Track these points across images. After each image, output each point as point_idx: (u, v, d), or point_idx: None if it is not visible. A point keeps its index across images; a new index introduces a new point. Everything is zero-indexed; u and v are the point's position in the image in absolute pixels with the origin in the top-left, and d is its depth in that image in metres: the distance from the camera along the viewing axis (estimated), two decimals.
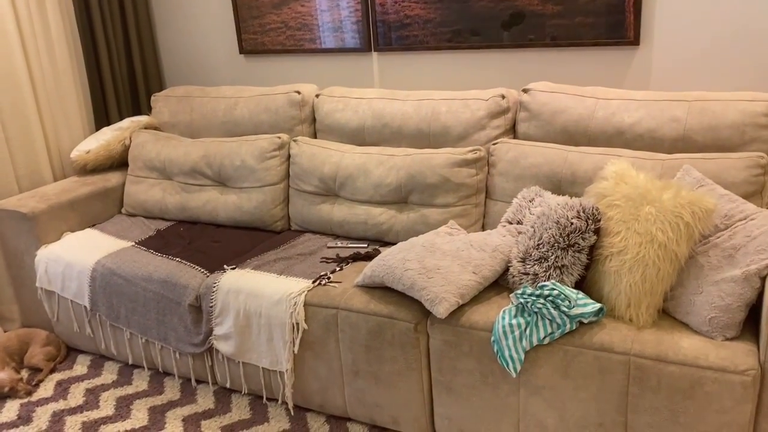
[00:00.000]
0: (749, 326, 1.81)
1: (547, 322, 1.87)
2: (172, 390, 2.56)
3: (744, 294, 1.76)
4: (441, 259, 2.09)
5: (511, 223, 2.28)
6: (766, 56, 2.39)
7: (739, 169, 2.06)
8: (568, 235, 1.96)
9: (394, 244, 2.56)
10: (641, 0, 2.52)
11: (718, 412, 1.70)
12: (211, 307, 2.37)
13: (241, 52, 3.40)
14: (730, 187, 2.05)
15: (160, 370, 2.65)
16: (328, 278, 2.29)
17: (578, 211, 1.97)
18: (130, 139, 3.17)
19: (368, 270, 2.18)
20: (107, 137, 3.15)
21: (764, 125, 2.15)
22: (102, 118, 3.44)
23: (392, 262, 2.12)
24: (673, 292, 1.89)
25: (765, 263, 1.74)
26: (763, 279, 1.76)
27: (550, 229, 2.01)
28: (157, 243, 2.75)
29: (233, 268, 2.42)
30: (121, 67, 3.46)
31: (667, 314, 1.92)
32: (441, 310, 1.95)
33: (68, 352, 2.87)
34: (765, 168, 2.05)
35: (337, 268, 2.37)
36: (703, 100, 2.25)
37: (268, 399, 2.44)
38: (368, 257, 2.46)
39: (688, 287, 1.87)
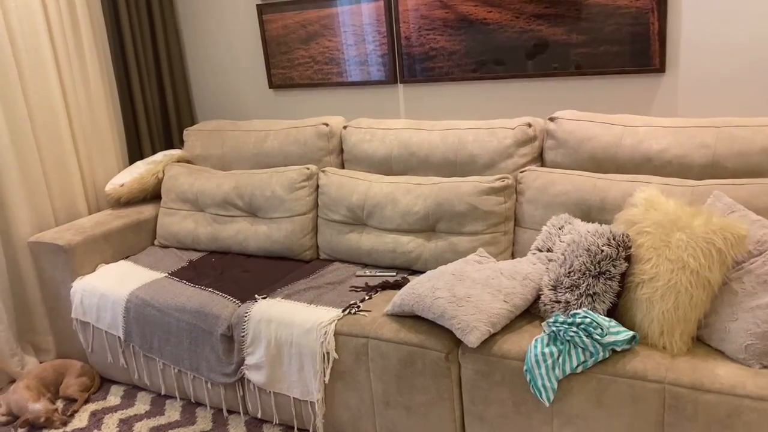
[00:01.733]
0: None
1: (580, 350, 1.86)
2: (204, 420, 2.58)
3: None
4: (471, 288, 2.09)
5: (541, 251, 2.28)
6: None
7: None
8: (599, 263, 1.96)
9: (422, 272, 2.57)
10: (666, 28, 2.54)
11: None
12: (243, 336, 2.39)
13: (270, 87, 3.48)
14: (763, 212, 2.03)
15: (192, 400, 2.67)
16: (358, 307, 2.30)
17: (608, 239, 1.97)
18: (164, 172, 3.25)
19: (398, 299, 2.20)
20: (141, 171, 3.23)
21: None
22: (135, 152, 3.54)
23: (422, 291, 2.13)
24: (707, 320, 1.87)
25: None
26: None
27: (580, 256, 2.01)
28: (189, 273, 2.79)
29: (264, 298, 2.45)
30: (154, 103, 3.56)
31: (702, 342, 1.90)
32: (472, 339, 1.95)
33: (102, 383, 2.91)
34: None
35: (367, 297, 2.38)
36: (731, 126, 2.24)
37: (299, 429, 2.45)
38: (397, 286, 2.47)
39: (722, 314, 1.85)
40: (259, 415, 2.49)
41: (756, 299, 1.80)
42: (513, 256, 2.51)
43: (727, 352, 1.81)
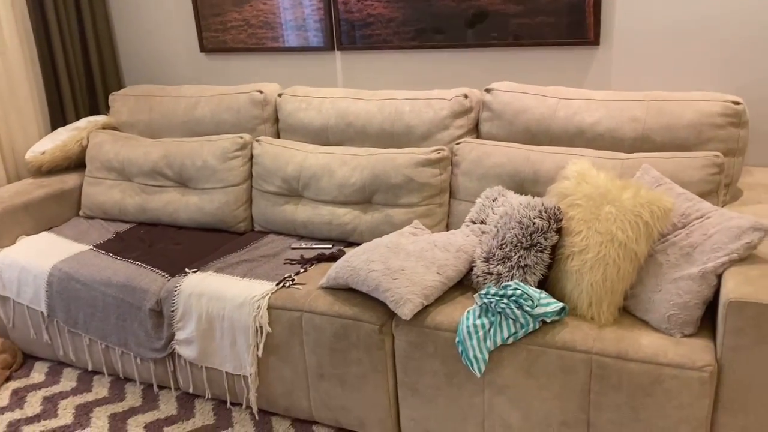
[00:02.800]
0: (706, 323, 1.85)
1: (511, 321, 1.88)
2: (133, 396, 2.51)
3: (701, 291, 1.79)
4: (405, 260, 2.08)
5: (474, 223, 2.29)
6: (723, 56, 2.45)
7: (695, 168, 2.10)
8: (530, 235, 1.98)
9: (358, 244, 2.55)
10: (601, 0, 2.54)
11: (676, 407, 1.73)
12: (173, 311, 2.32)
13: (202, 51, 3.35)
14: (688, 185, 2.09)
15: (121, 376, 2.59)
16: (292, 280, 2.26)
17: (540, 211, 1.98)
18: (88, 139, 3.10)
19: (332, 271, 2.17)
20: (63, 138, 3.07)
21: (720, 125, 2.19)
22: (58, 118, 3.35)
23: (356, 264, 2.11)
24: (633, 291, 1.92)
25: (720, 261, 1.78)
26: (719, 276, 1.79)
27: (512, 228, 2.02)
28: (116, 246, 2.69)
29: (195, 271, 2.38)
30: (78, 66, 3.37)
31: (628, 312, 1.95)
32: (406, 312, 1.95)
33: (25, 360, 2.79)
34: (720, 167, 2.09)
35: (301, 270, 2.35)
36: (661, 100, 2.28)
37: (232, 404, 2.41)
38: (333, 258, 2.44)
39: (647, 285, 1.90)
40: (190, 390, 2.44)
41: (679, 270, 1.85)
42: (448, 228, 2.51)
43: (651, 322, 1.87)
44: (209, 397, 2.42)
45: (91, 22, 3.38)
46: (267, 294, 2.20)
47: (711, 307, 1.86)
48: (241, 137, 2.78)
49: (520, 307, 1.87)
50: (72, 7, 3.30)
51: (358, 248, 2.22)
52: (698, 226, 1.89)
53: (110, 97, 3.23)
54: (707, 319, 1.86)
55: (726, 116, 2.19)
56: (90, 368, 2.63)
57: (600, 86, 2.66)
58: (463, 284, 2.17)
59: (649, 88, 2.59)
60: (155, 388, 2.53)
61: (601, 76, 2.65)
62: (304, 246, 2.57)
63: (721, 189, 2.12)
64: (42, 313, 2.61)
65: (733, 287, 1.68)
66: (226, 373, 2.33)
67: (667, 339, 1.79)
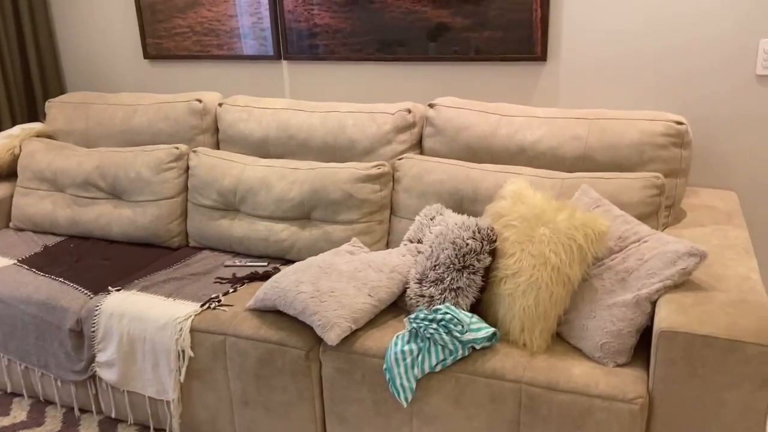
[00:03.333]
0: (641, 351, 1.78)
1: (440, 348, 1.80)
2: (53, 420, 2.38)
3: (635, 319, 1.73)
4: (336, 281, 1.99)
5: (412, 242, 2.21)
6: (669, 75, 2.40)
7: (635, 190, 2.04)
8: (463, 256, 1.90)
9: (296, 261, 2.44)
10: (548, 15, 2.49)
11: None
12: (93, 332, 2.20)
13: (145, 57, 3.23)
14: (627, 207, 2.03)
15: (41, 398, 2.45)
16: (219, 301, 2.16)
17: (474, 232, 1.91)
18: (20, 147, 2.95)
19: (260, 293, 2.07)
20: None
21: (662, 145, 2.14)
22: None
23: (285, 285, 2.01)
24: (567, 316, 1.85)
25: (655, 288, 1.71)
26: (653, 303, 1.73)
27: (446, 249, 1.94)
28: (41, 261, 2.55)
29: (118, 290, 2.26)
30: (15, 71, 3.23)
31: (562, 338, 1.87)
32: (332, 337, 1.85)
33: None
34: (661, 188, 2.03)
35: (231, 290, 2.24)
36: (604, 119, 2.23)
37: (155, 429, 2.28)
38: (266, 277, 2.34)
39: (581, 311, 1.82)
40: (113, 415, 2.31)
41: (613, 296, 1.78)
42: (388, 246, 2.42)
43: (585, 350, 1.79)
44: (132, 422, 2.29)
45: (31, 26, 3.24)
46: (190, 316, 2.09)
47: (647, 334, 1.79)
48: (177, 148, 2.67)
49: (449, 332, 1.78)
50: (9, 9, 3.16)
51: (289, 268, 2.12)
52: (635, 250, 1.83)
53: (46, 104, 3.10)
54: (642, 348, 1.79)
55: (668, 136, 2.14)
56: (9, 390, 2.49)
57: (548, 102, 2.61)
58: (398, 306, 2.08)
59: (596, 105, 2.54)
60: (77, 412, 2.39)
61: (548, 92, 2.60)
62: (238, 263, 2.46)
63: (661, 211, 2.06)
64: None
65: (665, 316, 1.61)
66: (149, 397, 2.20)
67: (600, 368, 1.72)
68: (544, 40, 2.53)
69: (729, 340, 1.52)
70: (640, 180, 2.05)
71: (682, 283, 1.73)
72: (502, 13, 2.55)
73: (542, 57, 2.55)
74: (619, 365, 1.73)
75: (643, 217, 2.03)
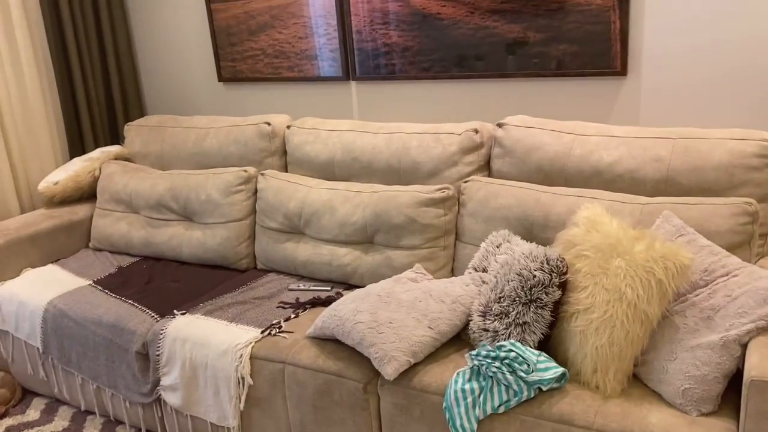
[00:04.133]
0: (730, 399, 1.60)
1: (503, 388, 1.68)
2: None
3: (722, 363, 1.55)
4: (395, 311, 1.91)
5: (477, 270, 2.10)
6: (762, 91, 2.19)
7: (724, 217, 1.86)
8: (530, 289, 1.78)
9: (359, 286, 2.39)
10: (628, 27, 2.33)
11: None
12: (158, 355, 2.22)
13: (220, 80, 3.29)
14: (714, 236, 1.84)
15: (112, 418, 2.50)
16: (280, 327, 2.12)
17: (542, 263, 1.78)
18: (100, 170, 3.06)
19: (319, 321, 2.02)
20: (76, 168, 3.05)
21: (755, 167, 1.94)
22: (77, 148, 3.35)
23: (343, 314, 1.95)
24: (645, 357, 1.69)
25: (745, 329, 1.54)
26: (743, 346, 1.55)
27: (512, 281, 1.82)
28: (114, 282, 2.62)
29: (183, 313, 2.28)
30: (98, 95, 3.37)
31: (639, 380, 1.71)
32: (389, 371, 1.78)
33: (24, 395, 2.74)
34: (754, 215, 1.84)
35: (293, 315, 2.21)
36: (688, 138, 2.05)
37: None
38: (328, 302, 2.29)
39: (661, 352, 1.66)
40: None
41: (697, 337, 1.61)
42: (453, 273, 2.32)
43: (665, 395, 1.63)
44: None
45: (114, 53, 3.37)
46: (251, 342, 2.07)
47: (737, 380, 1.61)
48: (245, 170, 2.68)
49: (513, 371, 1.67)
50: (93, 36, 3.30)
51: (348, 295, 2.06)
52: (722, 286, 1.65)
53: (125, 128, 3.21)
54: (731, 395, 1.61)
55: (762, 157, 1.94)
56: (83, 408, 2.56)
57: (627, 120, 2.44)
58: (461, 339, 1.98)
59: (680, 123, 2.35)
60: None
61: (628, 109, 2.43)
62: (302, 287, 2.43)
63: (754, 240, 1.86)
64: (38, 348, 2.56)
65: (757, 362, 1.44)
66: (211, 423, 2.20)
67: (681, 417, 1.56)
68: (624, 53, 2.37)
69: None
70: (729, 206, 1.86)
71: None
72: (578, 26, 2.41)
73: (622, 71, 2.39)
74: (703, 414, 1.56)
75: (732, 248, 1.84)
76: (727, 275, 1.67)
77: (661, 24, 2.28)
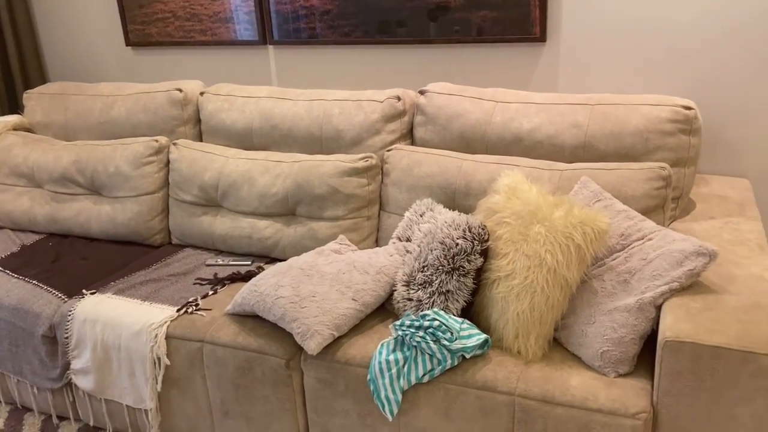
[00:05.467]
0: (644, 360, 1.65)
1: (428, 357, 1.67)
2: (31, 428, 2.28)
3: (638, 325, 1.59)
4: (318, 284, 1.86)
5: (401, 240, 2.07)
6: (677, 56, 2.24)
7: (639, 182, 1.89)
8: (453, 257, 1.76)
9: (281, 260, 2.32)
10: None
11: None
12: (67, 338, 2.09)
13: (127, 44, 3.09)
14: (631, 200, 1.88)
15: (19, 405, 2.35)
16: (197, 305, 2.04)
17: (464, 231, 1.77)
18: None
19: (239, 297, 1.94)
20: None
21: (669, 132, 1.98)
22: None
23: (264, 289, 1.89)
24: (564, 321, 1.71)
25: (660, 291, 1.57)
26: (658, 308, 1.59)
27: (435, 249, 1.80)
28: (17, 261, 2.44)
29: (93, 293, 2.15)
30: None
31: (560, 344, 1.74)
32: (312, 346, 1.73)
33: None
34: (667, 180, 1.88)
35: (211, 292, 2.12)
36: (606, 104, 2.07)
37: None
38: (248, 277, 2.21)
39: (580, 316, 1.69)
40: (91, 423, 2.21)
41: (615, 300, 1.65)
42: (377, 243, 2.29)
43: (584, 358, 1.66)
44: (111, 430, 2.19)
45: (8, 13, 3.10)
46: (166, 321, 1.97)
47: (652, 341, 1.65)
48: (156, 140, 2.54)
49: (437, 340, 1.65)
50: None
51: (269, 269, 1.99)
52: (638, 249, 1.69)
53: (24, 96, 2.97)
54: (647, 356, 1.66)
55: (676, 122, 1.98)
56: None
57: (547, 87, 2.45)
58: (386, 309, 1.95)
59: (599, 90, 2.38)
60: (55, 420, 2.29)
61: (548, 75, 2.44)
62: (220, 262, 2.34)
63: (668, 204, 1.91)
64: None
65: (670, 323, 1.47)
66: (127, 406, 2.10)
67: (600, 379, 1.59)
68: (543, 19, 2.36)
69: (741, 351, 1.39)
70: (645, 171, 1.90)
71: (690, 286, 1.59)
72: None
73: (541, 38, 2.39)
74: (620, 375, 1.60)
75: (648, 211, 1.88)
76: (642, 239, 1.70)
77: None
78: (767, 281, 1.59)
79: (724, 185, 2.20)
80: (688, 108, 1.98)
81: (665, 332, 1.46)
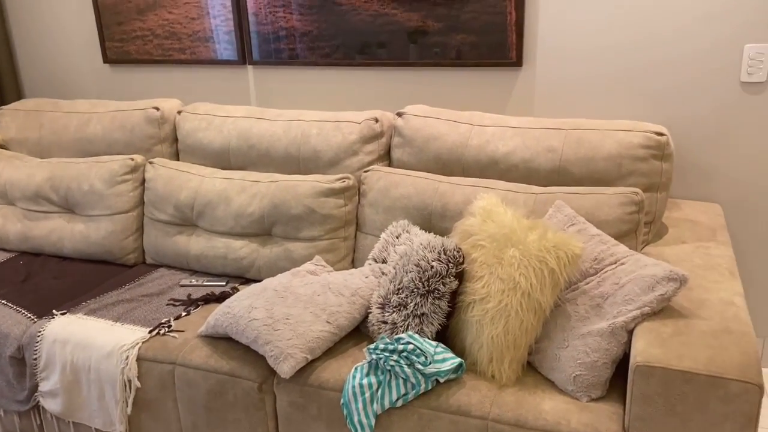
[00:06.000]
0: (617, 384, 1.65)
1: (401, 381, 1.66)
2: None
3: (610, 349, 1.60)
4: (292, 307, 1.85)
5: (376, 262, 2.07)
6: (650, 83, 2.28)
7: (612, 206, 1.91)
8: (428, 280, 1.76)
9: (257, 280, 2.31)
10: (523, 18, 2.36)
11: None
12: (35, 359, 2.05)
13: (105, 62, 3.08)
14: (604, 225, 1.90)
15: None
16: (169, 326, 2.01)
17: (439, 253, 1.77)
18: None
19: (212, 318, 1.92)
20: None
21: (641, 157, 2.01)
22: None
23: (237, 311, 1.87)
24: (538, 345, 1.72)
25: (632, 315, 1.59)
26: (630, 332, 1.60)
27: (410, 272, 1.80)
28: None
29: (63, 313, 2.11)
30: None
31: (534, 368, 1.74)
32: (285, 369, 1.71)
33: None
34: (639, 205, 1.91)
35: (183, 313, 2.09)
36: (580, 129, 2.10)
37: None
38: (222, 298, 2.19)
39: (554, 340, 1.69)
40: None
41: (588, 324, 1.65)
42: (354, 265, 2.28)
43: (557, 383, 1.66)
44: None
45: None
46: (137, 343, 1.94)
47: (624, 364, 1.66)
48: (132, 159, 2.52)
49: (411, 364, 1.65)
50: None
51: (243, 291, 1.98)
52: (611, 273, 1.70)
53: None
54: (619, 380, 1.66)
55: (648, 148, 2.01)
56: None
57: (523, 111, 2.48)
58: (360, 331, 1.94)
59: (574, 115, 2.41)
60: None
61: (524, 100, 2.47)
62: (194, 283, 2.31)
63: (640, 229, 1.93)
64: None
65: (642, 348, 1.49)
66: (96, 429, 2.05)
67: (573, 403, 1.59)
68: (519, 44, 2.40)
69: (710, 376, 1.40)
70: (618, 195, 1.92)
71: (661, 310, 1.61)
72: (475, 16, 2.42)
73: (517, 62, 2.42)
74: (593, 399, 1.61)
75: (620, 235, 1.90)
76: (615, 263, 1.72)
77: (556, 16, 2.32)
78: (737, 306, 1.61)
79: (695, 210, 2.24)
80: (660, 134, 2.02)
81: (636, 357, 1.47)
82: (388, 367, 1.66)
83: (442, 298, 1.76)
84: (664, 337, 1.51)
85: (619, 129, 2.05)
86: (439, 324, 1.78)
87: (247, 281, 2.32)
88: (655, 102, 2.29)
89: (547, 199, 1.98)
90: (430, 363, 1.65)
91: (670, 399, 1.43)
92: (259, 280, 2.25)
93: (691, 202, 2.31)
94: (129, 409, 1.96)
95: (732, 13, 2.12)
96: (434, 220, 2.10)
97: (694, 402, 1.42)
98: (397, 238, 2.05)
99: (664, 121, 2.31)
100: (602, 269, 1.73)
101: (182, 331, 1.99)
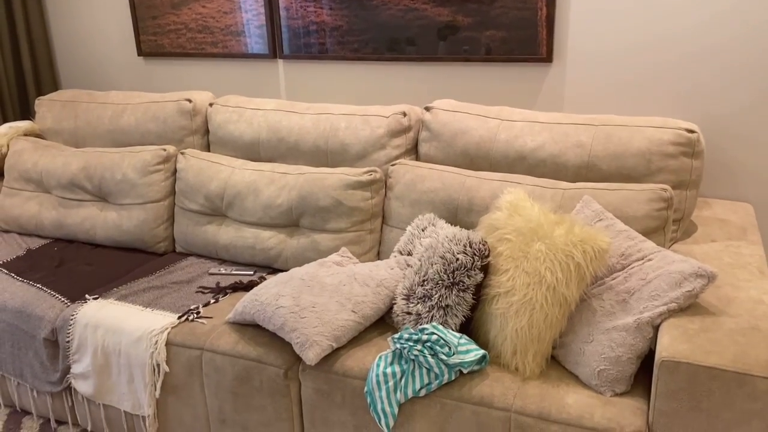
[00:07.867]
0: (641, 380, 1.65)
1: (425, 371, 1.67)
2: (29, 431, 2.29)
3: (635, 345, 1.59)
4: (318, 296, 1.87)
5: (402, 254, 2.09)
6: (682, 79, 2.26)
7: (641, 202, 1.90)
8: (453, 272, 1.77)
9: (284, 270, 2.34)
10: (554, 14, 2.35)
11: None
12: (68, 342, 2.10)
13: (139, 54, 3.14)
14: (632, 221, 1.89)
15: (18, 408, 2.37)
16: (198, 313, 2.05)
17: (465, 246, 1.78)
18: (8, 146, 2.87)
19: (240, 306, 1.96)
20: None
21: (671, 154, 1.99)
22: None
23: (265, 298, 1.90)
24: (563, 339, 1.71)
25: (658, 311, 1.58)
26: (655, 328, 1.59)
27: (435, 264, 1.81)
28: (22, 265, 2.46)
29: (96, 298, 2.16)
30: (6, 66, 3.15)
31: (558, 362, 1.74)
32: (311, 356, 1.74)
33: None
34: (668, 202, 1.89)
35: (212, 300, 2.13)
36: (609, 125, 2.09)
37: None
38: (250, 287, 2.23)
39: (579, 334, 1.69)
40: (89, 428, 2.21)
41: (613, 320, 1.65)
42: (380, 257, 2.30)
43: (581, 377, 1.66)
44: None
45: (23, 20, 3.16)
46: (166, 328, 1.98)
47: (648, 361, 1.65)
48: (164, 149, 2.57)
49: (435, 354, 1.66)
50: (1, 4, 3.08)
51: (270, 279, 2.01)
52: (638, 269, 1.69)
53: (36, 102, 3.01)
54: (643, 376, 1.66)
55: (678, 145, 1.99)
56: None
57: (552, 107, 2.47)
58: (385, 322, 1.96)
59: (604, 111, 2.40)
60: (53, 424, 2.30)
61: (553, 95, 2.46)
62: (223, 272, 2.35)
63: (668, 226, 1.92)
64: None
65: (667, 344, 1.48)
66: (125, 411, 2.10)
67: (596, 398, 1.59)
68: (550, 40, 2.39)
69: (737, 373, 1.39)
70: (646, 192, 1.91)
71: (688, 307, 1.60)
72: (505, 11, 2.42)
73: (548, 58, 2.41)
74: (617, 394, 1.60)
75: (648, 232, 1.89)
76: (642, 259, 1.71)
77: (587, 12, 2.31)
78: (766, 305, 1.60)
79: (726, 209, 2.21)
80: (691, 131, 2.00)
81: (662, 352, 1.46)
82: (412, 357, 1.68)
83: (466, 290, 1.77)
84: (690, 333, 1.50)
85: (650, 125, 2.03)
86: (464, 316, 1.79)
87: (275, 271, 2.36)
88: (685, 99, 2.27)
89: (575, 195, 1.97)
90: (453, 354, 1.66)
91: (696, 395, 1.43)
92: (286, 270, 2.28)
93: (721, 201, 2.29)
94: (157, 393, 2.00)
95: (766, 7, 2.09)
96: (460, 215, 2.11)
97: (720, 399, 1.41)
98: (422, 230, 2.06)
99: (695, 119, 2.28)
100: (629, 265, 1.72)
101: (210, 317, 2.02)
